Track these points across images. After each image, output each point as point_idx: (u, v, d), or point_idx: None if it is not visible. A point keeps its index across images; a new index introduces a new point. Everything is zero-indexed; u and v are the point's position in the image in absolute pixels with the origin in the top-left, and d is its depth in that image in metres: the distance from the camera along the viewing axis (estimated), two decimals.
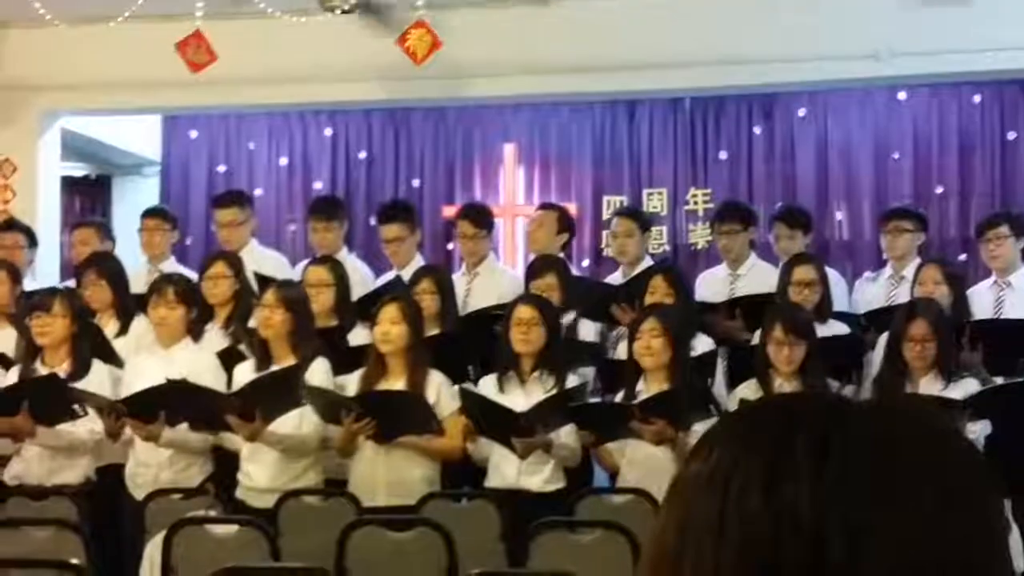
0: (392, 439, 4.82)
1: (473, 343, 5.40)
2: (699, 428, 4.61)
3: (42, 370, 5.09)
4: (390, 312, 4.91)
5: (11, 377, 5.16)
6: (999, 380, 4.96)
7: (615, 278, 6.28)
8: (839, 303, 5.79)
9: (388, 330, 4.88)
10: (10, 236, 6.62)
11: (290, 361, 4.94)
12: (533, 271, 5.75)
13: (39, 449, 5.01)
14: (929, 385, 4.82)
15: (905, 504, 0.76)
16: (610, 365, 5.35)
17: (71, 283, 6.02)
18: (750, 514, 0.76)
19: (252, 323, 5.27)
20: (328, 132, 8.55)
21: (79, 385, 4.97)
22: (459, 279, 6.18)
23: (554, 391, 4.85)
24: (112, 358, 5.27)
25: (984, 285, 5.85)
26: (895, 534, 0.75)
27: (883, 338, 5.11)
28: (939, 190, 7.67)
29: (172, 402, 4.76)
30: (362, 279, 6.24)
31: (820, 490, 0.76)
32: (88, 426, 4.95)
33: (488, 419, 4.76)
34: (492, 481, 4.89)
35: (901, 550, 0.75)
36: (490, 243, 6.49)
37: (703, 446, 0.83)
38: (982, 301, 5.62)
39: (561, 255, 6.27)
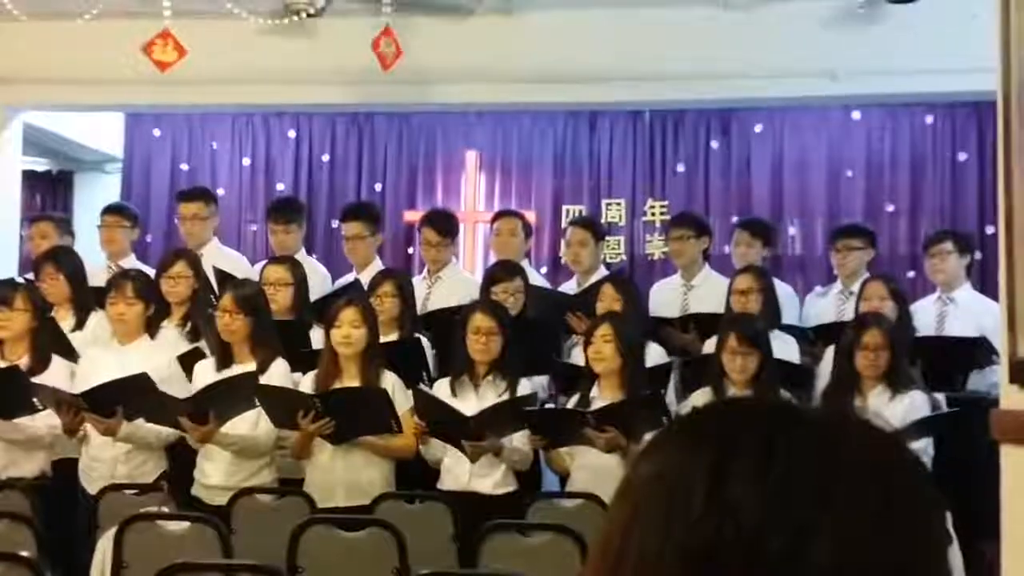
0: (349, 440, 4.86)
1: (432, 341, 5.46)
2: (650, 437, 4.68)
3: (0, 364, 5.09)
4: (350, 315, 4.93)
5: None
6: (940, 396, 5.07)
7: (569, 286, 6.37)
8: (790, 317, 5.90)
9: (349, 333, 4.91)
10: None
11: (250, 361, 4.96)
12: (495, 276, 5.80)
13: None
14: (877, 398, 4.91)
15: (847, 506, 0.77)
16: (565, 368, 5.44)
17: (29, 276, 6.01)
18: (694, 513, 0.78)
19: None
20: (292, 134, 8.57)
21: (38, 380, 4.97)
22: (419, 283, 6.22)
23: (505, 396, 4.92)
24: (69, 353, 5.27)
25: (928, 300, 5.97)
26: (836, 535, 0.76)
27: (830, 351, 5.22)
28: (890, 208, 7.80)
29: (130, 397, 4.77)
30: (320, 280, 6.28)
31: (763, 491, 0.77)
32: (47, 421, 4.94)
33: (440, 421, 4.82)
34: (444, 483, 4.94)
35: (842, 551, 0.76)
36: (453, 250, 6.55)
37: (651, 447, 0.86)
38: (925, 316, 5.74)
39: (525, 260, 6.36)
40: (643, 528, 0.80)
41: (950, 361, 5.25)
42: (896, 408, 4.82)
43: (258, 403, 4.81)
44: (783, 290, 6.12)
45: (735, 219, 7.63)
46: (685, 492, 0.79)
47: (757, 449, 0.79)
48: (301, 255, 6.37)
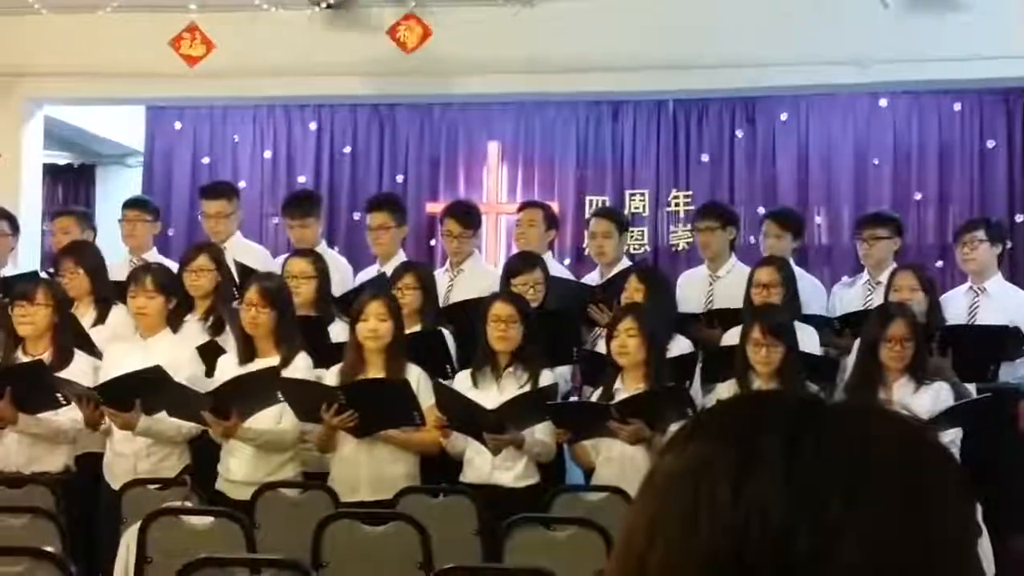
0: (372, 432, 4.84)
1: (454, 334, 5.44)
2: (675, 428, 4.65)
3: (23, 359, 5.09)
4: (376, 308, 4.91)
5: None
6: (970, 386, 5.01)
7: (592, 278, 6.33)
8: (817, 309, 5.83)
9: (376, 327, 4.89)
10: None
11: (273, 355, 4.95)
12: (514, 267, 5.77)
13: (18, 436, 5.00)
14: (901, 389, 4.87)
15: (874, 502, 0.77)
16: (590, 356, 5.39)
17: (51, 271, 6.02)
18: (720, 510, 0.77)
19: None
20: (313, 126, 8.56)
21: (61, 375, 4.97)
22: (442, 275, 6.20)
23: (527, 387, 4.89)
24: (91, 350, 5.26)
25: (959, 291, 5.90)
26: (863, 532, 0.76)
27: (859, 342, 5.16)
28: (918, 197, 7.73)
29: (149, 391, 4.76)
30: (342, 273, 6.26)
31: (790, 487, 0.77)
32: (70, 415, 4.95)
33: (461, 414, 4.80)
34: (466, 476, 4.92)
35: (869, 548, 0.76)
36: (476, 242, 6.52)
37: (677, 441, 0.84)
38: (956, 307, 5.67)
39: (548, 253, 6.31)
40: (669, 523, 0.79)
41: (981, 350, 5.18)
42: (922, 400, 4.79)
43: (282, 397, 4.78)
44: (810, 281, 6.06)
45: (761, 209, 7.58)
46: (711, 488, 0.78)
47: (782, 447, 0.78)
48: (322, 248, 6.36)
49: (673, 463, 0.82)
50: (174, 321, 5.24)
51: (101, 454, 5.11)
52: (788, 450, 0.78)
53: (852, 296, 6.06)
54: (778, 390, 4.31)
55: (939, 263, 7.36)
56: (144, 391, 4.75)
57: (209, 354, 5.17)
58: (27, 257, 7.15)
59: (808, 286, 5.84)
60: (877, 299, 5.70)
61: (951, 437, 4.67)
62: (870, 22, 6.68)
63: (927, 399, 4.79)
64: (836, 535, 0.76)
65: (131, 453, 5.00)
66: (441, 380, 5.04)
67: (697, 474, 0.79)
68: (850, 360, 5.23)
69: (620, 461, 4.77)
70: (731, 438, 0.80)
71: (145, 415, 4.82)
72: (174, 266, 5.75)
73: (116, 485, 4.87)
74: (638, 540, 0.80)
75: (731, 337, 5.23)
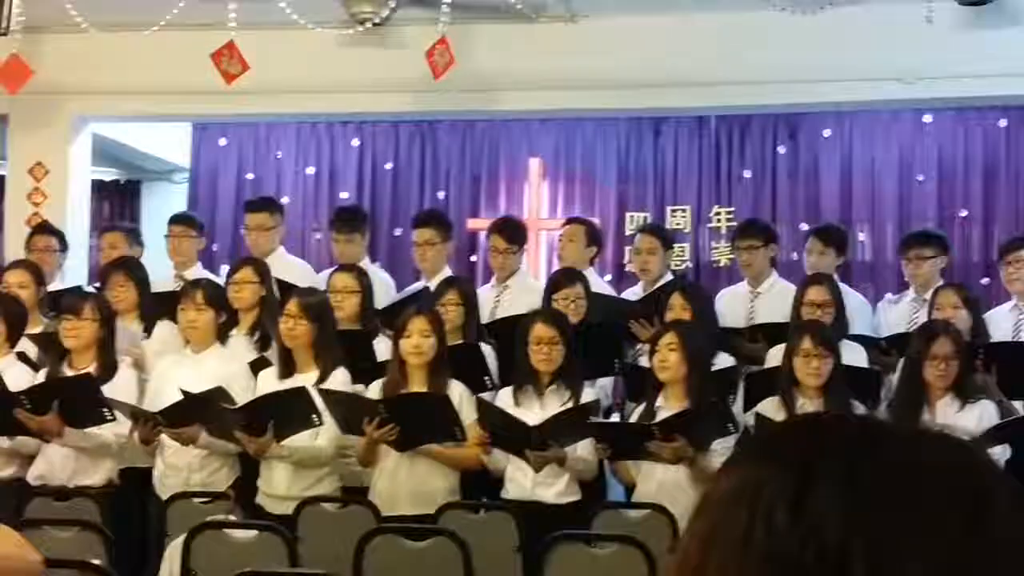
0: (414, 447, 4.86)
1: (498, 349, 5.45)
2: (717, 446, 4.64)
3: (69, 372, 5.15)
4: (420, 325, 4.93)
5: (40, 378, 5.22)
6: (1017, 404, 4.95)
7: (635, 292, 6.31)
8: (863, 327, 5.78)
9: (420, 343, 4.91)
10: (43, 239, 6.72)
11: (313, 370, 4.99)
12: (556, 283, 5.77)
13: (63, 450, 5.06)
14: (946, 407, 4.83)
15: (930, 530, 0.76)
16: (635, 371, 5.38)
17: (97, 286, 6.10)
18: (776, 534, 0.77)
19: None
20: (355, 143, 8.61)
21: (106, 387, 5.02)
22: (488, 291, 6.21)
23: (569, 404, 4.89)
24: None
25: (1003, 309, 5.84)
26: (920, 559, 0.75)
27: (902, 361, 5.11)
28: (963, 213, 7.67)
29: (207, 410, 4.81)
30: (385, 289, 6.29)
31: (847, 514, 0.76)
32: (115, 429, 5.00)
33: (503, 431, 4.80)
34: (508, 492, 4.93)
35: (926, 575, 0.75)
36: (521, 258, 6.52)
37: (733, 463, 0.84)
38: (1001, 325, 5.61)
39: (590, 269, 6.31)
40: (723, 546, 0.79)
41: None
42: (967, 418, 4.74)
43: (314, 419, 4.76)
44: (855, 299, 6.01)
45: (804, 225, 7.54)
46: (767, 511, 0.78)
47: (840, 474, 0.78)
48: (365, 263, 6.39)
49: (729, 485, 0.81)
50: (221, 335, 5.29)
51: (143, 468, 5.15)
52: (845, 475, 0.78)
53: (898, 313, 6.01)
54: (836, 414, 4.27)
55: (985, 280, 7.28)
56: (206, 411, 4.80)
57: (260, 370, 5.21)
58: (74, 272, 7.25)
59: (853, 305, 5.78)
60: (922, 317, 5.64)
61: (997, 456, 4.61)
62: (914, 38, 6.63)
63: (972, 418, 4.74)
64: (893, 562, 0.75)
65: (184, 465, 5.04)
66: (481, 395, 5.05)
67: (753, 496, 0.79)
68: (895, 378, 5.19)
69: (660, 480, 4.75)
70: (789, 462, 0.80)
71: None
72: (219, 281, 5.80)
73: (167, 497, 4.92)
74: (692, 562, 0.80)
75: (775, 358, 5.19)
